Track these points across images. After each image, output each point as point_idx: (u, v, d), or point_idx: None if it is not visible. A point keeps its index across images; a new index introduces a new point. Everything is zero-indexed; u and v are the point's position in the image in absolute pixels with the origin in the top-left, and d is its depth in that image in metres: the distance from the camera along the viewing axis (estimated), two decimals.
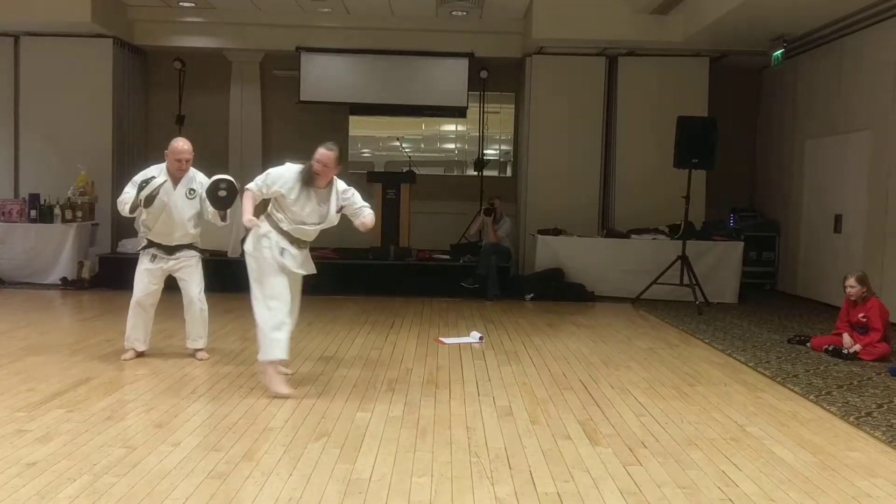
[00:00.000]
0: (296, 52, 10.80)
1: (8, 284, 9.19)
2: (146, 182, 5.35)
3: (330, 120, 11.26)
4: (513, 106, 11.80)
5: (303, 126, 10.97)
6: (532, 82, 10.59)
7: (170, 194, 5.39)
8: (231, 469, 3.41)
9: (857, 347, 6.13)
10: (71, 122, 10.18)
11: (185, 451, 3.62)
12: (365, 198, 5.13)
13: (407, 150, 11.81)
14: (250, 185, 4.86)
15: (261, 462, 3.51)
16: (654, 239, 9.63)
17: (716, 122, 8.92)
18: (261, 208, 5.01)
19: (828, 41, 9.26)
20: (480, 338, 6.62)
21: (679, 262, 8.81)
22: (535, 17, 9.76)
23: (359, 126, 11.95)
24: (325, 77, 10.93)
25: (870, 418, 4.43)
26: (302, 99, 10.89)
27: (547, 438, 3.98)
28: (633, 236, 9.77)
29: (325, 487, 3.23)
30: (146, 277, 5.51)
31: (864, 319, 6.26)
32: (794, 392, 5.06)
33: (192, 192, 5.45)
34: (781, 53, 9.22)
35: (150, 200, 5.32)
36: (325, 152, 4.74)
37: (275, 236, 4.81)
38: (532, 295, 9.29)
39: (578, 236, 9.89)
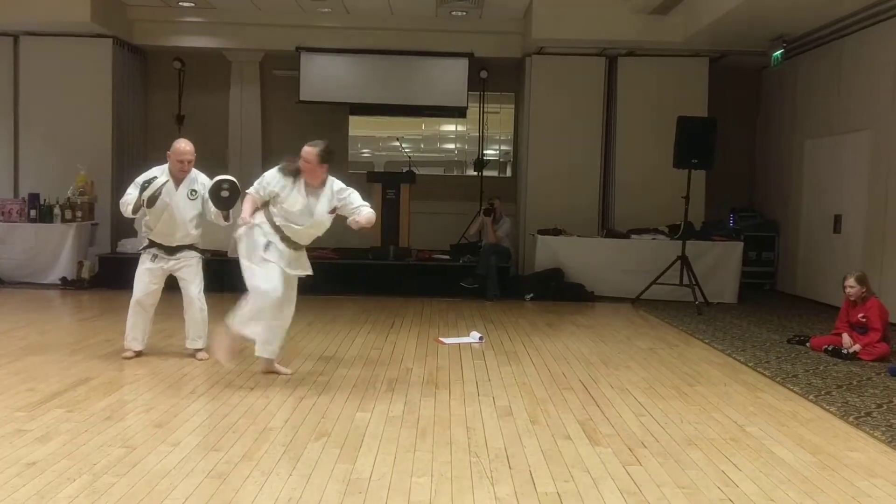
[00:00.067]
0: (295, 52, 10.80)
1: (7, 284, 9.19)
2: (148, 183, 5.37)
3: (330, 120, 11.26)
4: (512, 106, 11.80)
5: (302, 126, 10.93)
6: (532, 82, 10.60)
7: (172, 195, 5.41)
8: (231, 469, 3.41)
9: (857, 347, 6.13)
10: (70, 122, 10.18)
11: (185, 451, 3.62)
12: (364, 198, 5.13)
13: (407, 150, 11.81)
14: (250, 189, 5.00)
15: (260, 462, 3.51)
16: (653, 239, 9.64)
17: (715, 123, 8.93)
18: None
19: (827, 41, 9.26)
20: (480, 338, 6.62)
21: (679, 262, 8.81)
22: (534, 17, 9.76)
23: (359, 126, 11.95)
24: (324, 77, 10.93)
25: (869, 418, 4.43)
26: (302, 99, 10.89)
27: (547, 438, 3.98)
28: (632, 236, 9.77)
29: (324, 487, 3.23)
30: (147, 277, 5.52)
31: (864, 319, 6.26)
32: (794, 392, 5.06)
33: (193, 192, 5.47)
34: (781, 54, 9.22)
35: (152, 201, 5.35)
36: (307, 149, 4.85)
37: (266, 227, 4.90)
38: (532, 295, 9.29)
39: (578, 236, 9.89)
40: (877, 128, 8.35)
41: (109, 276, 9.16)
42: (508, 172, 12.03)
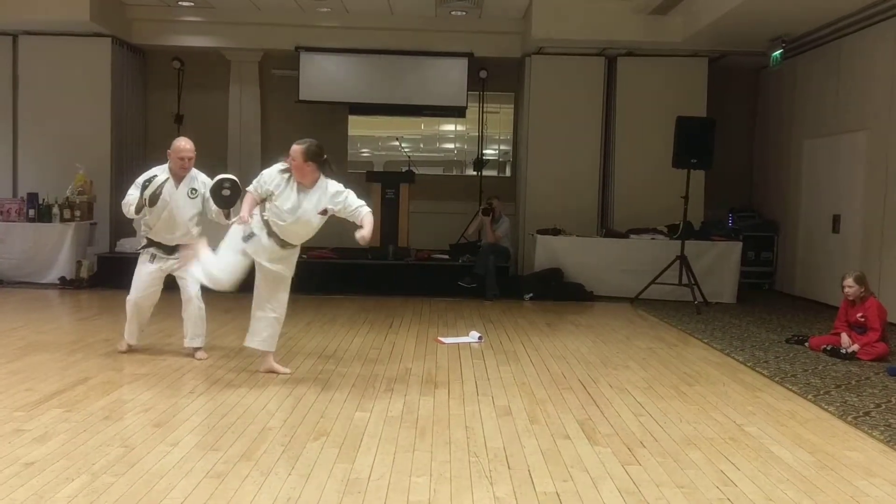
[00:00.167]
0: (295, 52, 10.80)
1: (6, 284, 9.18)
2: (149, 181, 5.39)
3: (329, 119, 11.26)
4: (512, 106, 11.80)
5: (302, 126, 10.90)
6: (531, 82, 10.60)
7: (172, 193, 5.43)
8: (230, 469, 3.41)
9: (856, 347, 6.14)
10: (69, 122, 10.17)
11: (184, 451, 3.62)
12: (364, 198, 5.12)
13: (406, 149, 11.80)
14: (249, 187, 5.04)
15: (259, 461, 3.51)
16: (652, 239, 9.64)
17: (714, 123, 8.93)
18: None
19: (826, 42, 9.27)
20: (479, 337, 6.63)
21: (678, 261, 8.82)
22: (534, 17, 9.76)
23: (358, 126, 11.94)
24: (324, 77, 10.93)
25: (868, 418, 4.43)
26: (301, 98, 10.89)
27: (546, 438, 3.98)
28: (632, 236, 9.77)
29: (323, 487, 3.23)
30: (147, 279, 5.54)
31: (863, 319, 6.27)
32: (793, 392, 5.07)
33: (193, 191, 5.48)
34: (780, 54, 9.23)
35: (154, 199, 5.38)
36: (294, 146, 4.90)
37: (256, 220, 4.95)
38: (531, 295, 9.29)
39: (577, 236, 9.90)
40: (875, 128, 8.36)
41: (108, 275, 9.16)
42: (508, 172, 12.03)
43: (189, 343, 5.62)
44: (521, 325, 7.52)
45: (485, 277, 9.26)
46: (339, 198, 4.94)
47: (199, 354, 5.59)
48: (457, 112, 11.36)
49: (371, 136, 12.32)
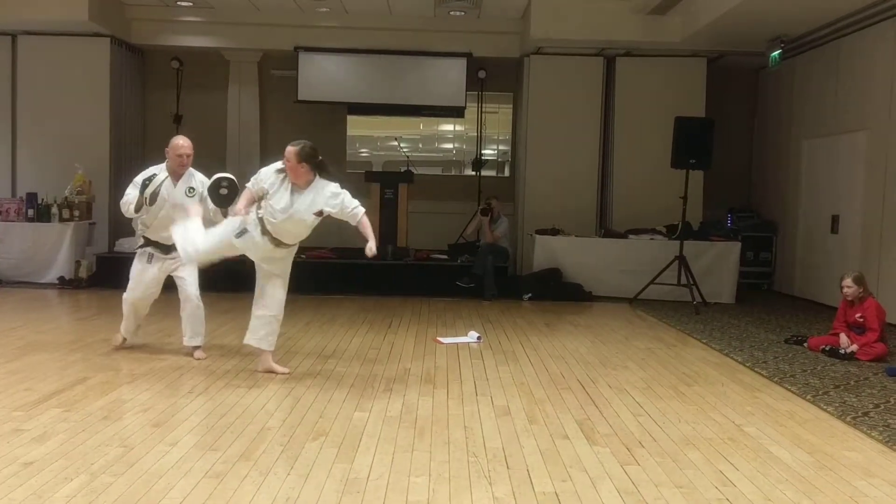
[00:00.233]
0: (294, 52, 10.80)
1: (5, 283, 9.18)
2: (149, 180, 5.41)
3: (328, 120, 11.27)
4: (511, 106, 11.80)
5: (301, 126, 10.93)
6: (530, 82, 10.60)
7: (170, 191, 5.45)
8: (228, 468, 3.41)
9: (854, 347, 6.14)
10: (68, 121, 10.16)
11: (183, 451, 3.62)
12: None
13: (405, 149, 11.80)
14: (248, 184, 5.08)
15: (258, 461, 3.51)
16: (651, 239, 9.64)
17: (713, 123, 8.94)
18: None
19: (825, 42, 9.27)
20: (478, 337, 6.63)
21: (677, 262, 8.82)
22: (533, 17, 9.76)
23: (357, 126, 11.94)
24: (323, 77, 10.93)
25: (867, 418, 4.44)
26: (300, 98, 10.88)
27: (545, 438, 3.98)
28: (630, 236, 9.77)
29: (322, 487, 3.23)
30: (146, 281, 5.55)
31: (861, 319, 6.27)
32: (792, 392, 5.07)
33: (191, 190, 5.49)
34: (779, 54, 9.23)
35: (153, 198, 5.39)
36: (288, 147, 4.93)
37: (252, 217, 4.97)
38: (530, 295, 9.30)
39: (576, 236, 9.90)
40: (874, 128, 8.37)
41: (107, 275, 9.14)
42: (506, 172, 12.03)
43: (188, 342, 5.62)
44: (519, 326, 7.52)
45: (483, 277, 9.26)
46: (335, 199, 4.92)
47: (198, 354, 5.59)
48: (455, 112, 11.37)
49: (370, 136, 12.32)
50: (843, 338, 6.28)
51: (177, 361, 5.48)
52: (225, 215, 5.41)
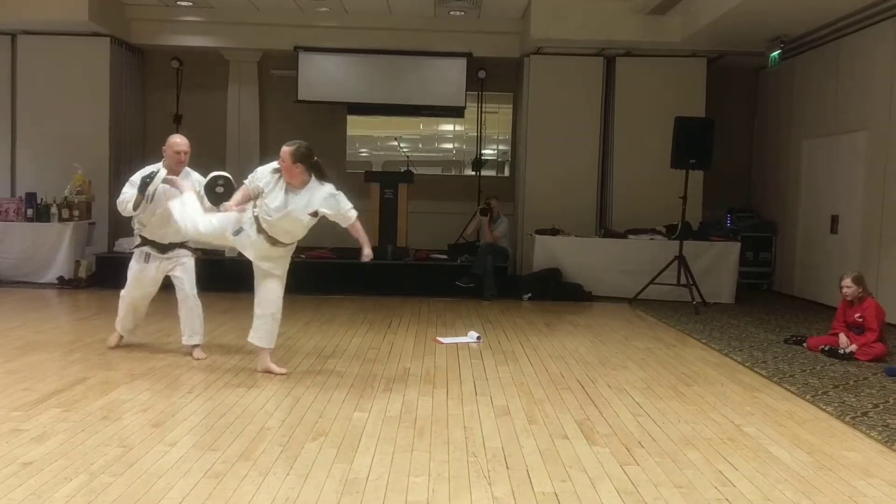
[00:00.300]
0: (294, 52, 10.80)
1: (4, 283, 9.17)
2: (150, 177, 5.40)
3: (328, 119, 11.27)
4: (511, 106, 11.80)
5: (301, 126, 10.94)
6: (530, 82, 10.60)
7: (167, 190, 5.43)
8: (228, 469, 3.41)
9: (854, 348, 6.14)
10: (68, 121, 10.16)
11: (182, 451, 3.62)
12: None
13: (405, 149, 11.80)
14: (245, 181, 5.12)
15: (258, 461, 3.51)
16: (651, 239, 9.64)
17: (713, 123, 8.94)
18: None
19: (825, 42, 9.27)
20: (478, 337, 6.63)
21: (676, 262, 8.82)
22: (533, 17, 9.76)
23: (357, 126, 11.94)
24: (322, 77, 10.93)
25: (866, 418, 4.44)
26: (300, 98, 10.88)
27: (544, 438, 3.98)
28: (630, 236, 9.78)
29: (322, 487, 3.23)
30: (144, 280, 5.56)
31: (861, 320, 6.27)
32: (791, 392, 5.07)
33: None
34: (779, 54, 9.23)
35: (153, 196, 5.38)
36: (283, 147, 4.94)
37: (248, 215, 5.00)
38: (530, 295, 9.30)
39: (576, 236, 9.90)
40: (874, 128, 8.37)
41: (106, 275, 9.14)
42: (506, 172, 12.03)
43: (187, 341, 5.61)
44: (519, 326, 7.52)
45: (483, 277, 9.26)
46: (331, 200, 4.93)
47: (197, 353, 5.59)
48: (455, 112, 11.37)
49: (370, 136, 12.33)
50: (843, 338, 6.28)
51: (176, 361, 5.48)
52: None
